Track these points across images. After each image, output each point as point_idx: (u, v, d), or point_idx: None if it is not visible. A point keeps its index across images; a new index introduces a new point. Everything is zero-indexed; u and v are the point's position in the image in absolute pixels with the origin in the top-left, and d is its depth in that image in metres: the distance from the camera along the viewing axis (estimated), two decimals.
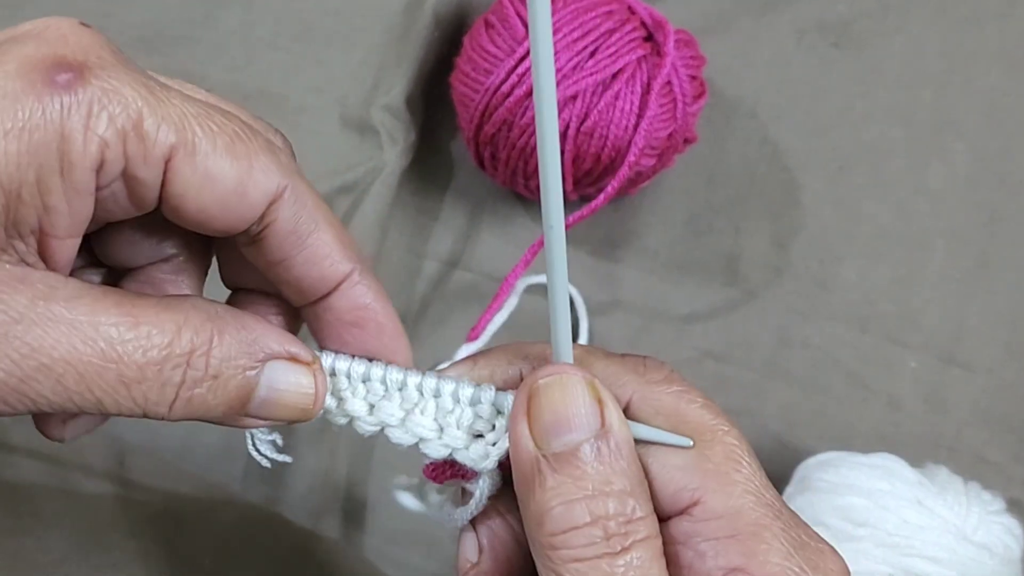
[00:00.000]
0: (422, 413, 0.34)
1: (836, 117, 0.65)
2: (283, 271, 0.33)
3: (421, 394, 0.34)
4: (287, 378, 0.32)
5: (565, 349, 0.32)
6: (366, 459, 0.59)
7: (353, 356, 0.34)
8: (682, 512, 0.31)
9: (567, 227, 0.56)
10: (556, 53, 0.55)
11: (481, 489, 0.33)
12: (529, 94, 0.55)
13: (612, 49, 0.55)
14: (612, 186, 0.56)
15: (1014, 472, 0.60)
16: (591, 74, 0.55)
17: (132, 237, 0.34)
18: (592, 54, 0.55)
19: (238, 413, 0.32)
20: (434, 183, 0.65)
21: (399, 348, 0.35)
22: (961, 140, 0.65)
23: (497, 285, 0.62)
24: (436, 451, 0.34)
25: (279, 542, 0.57)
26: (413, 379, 0.34)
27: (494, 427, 0.33)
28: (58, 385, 0.28)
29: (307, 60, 0.65)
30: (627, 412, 0.32)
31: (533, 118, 0.56)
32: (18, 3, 0.63)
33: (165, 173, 0.29)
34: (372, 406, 0.34)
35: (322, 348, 0.34)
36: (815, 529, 0.51)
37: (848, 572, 0.32)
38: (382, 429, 0.34)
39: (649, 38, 0.57)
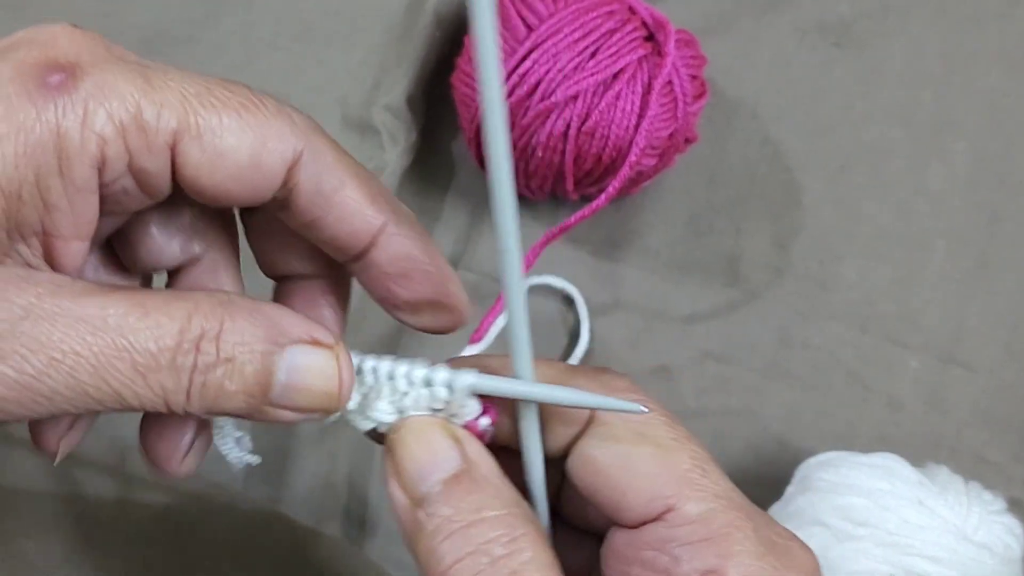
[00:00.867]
0: (378, 398, 0.33)
1: (837, 117, 0.65)
2: (317, 232, 0.32)
3: (376, 379, 0.33)
4: (307, 362, 0.31)
5: (525, 365, 0.32)
6: (368, 460, 0.59)
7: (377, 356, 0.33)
8: (656, 519, 0.31)
9: (569, 227, 0.56)
10: (557, 53, 0.55)
11: None
12: (529, 94, 0.55)
13: (613, 49, 0.55)
14: (613, 186, 0.56)
15: (1015, 472, 0.60)
16: (592, 74, 0.55)
17: (155, 239, 0.34)
18: (593, 54, 0.55)
19: (261, 403, 0.31)
20: (435, 183, 0.65)
21: (451, 293, 0.34)
22: (962, 140, 0.65)
23: (498, 285, 0.62)
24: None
25: (280, 543, 0.57)
26: (368, 363, 0.33)
27: (447, 405, 0.33)
28: (71, 379, 0.27)
29: (308, 60, 0.65)
30: (593, 420, 0.33)
31: (534, 119, 0.56)
32: (20, 4, 0.63)
33: (173, 159, 0.29)
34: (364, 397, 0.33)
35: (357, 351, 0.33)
36: (815, 528, 0.51)
37: (818, 564, 0.32)
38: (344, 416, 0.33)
39: (650, 38, 0.57)
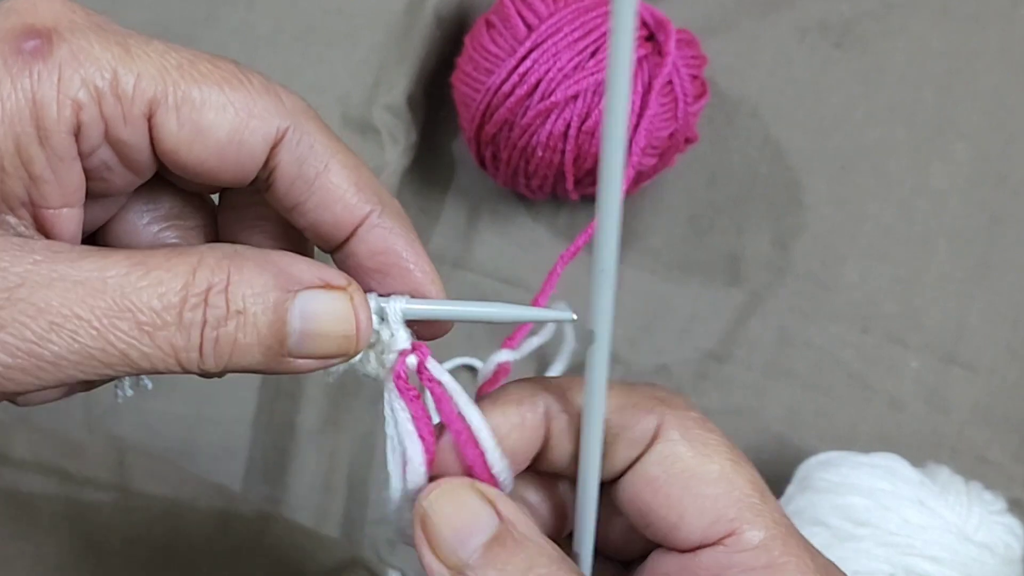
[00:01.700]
0: None
1: (838, 117, 0.65)
2: (298, 218, 0.31)
3: None
4: (321, 306, 0.29)
5: (600, 397, 0.31)
6: (367, 459, 0.59)
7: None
8: (715, 543, 0.30)
9: (579, 248, 0.56)
10: (557, 53, 0.55)
11: (389, 403, 0.32)
12: (529, 94, 0.55)
13: None
14: None
15: (1015, 472, 0.60)
16: (592, 74, 0.55)
17: (134, 226, 0.33)
18: (593, 54, 0.55)
19: (279, 354, 0.29)
20: (435, 183, 0.65)
21: (430, 294, 0.32)
22: (963, 140, 0.65)
23: (499, 285, 0.62)
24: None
25: (280, 542, 0.57)
26: None
27: (379, 336, 0.32)
28: (74, 343, 0.27)
29: (308, 59, 0.65)
30: (657, 435, 0.32)
31: (533, 118, 0.56)
32: None
33: (151, 131, 0.29)
34: None
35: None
36: (816, 528, 0.51)
37: None
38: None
39: (651, 38, 0.57)
